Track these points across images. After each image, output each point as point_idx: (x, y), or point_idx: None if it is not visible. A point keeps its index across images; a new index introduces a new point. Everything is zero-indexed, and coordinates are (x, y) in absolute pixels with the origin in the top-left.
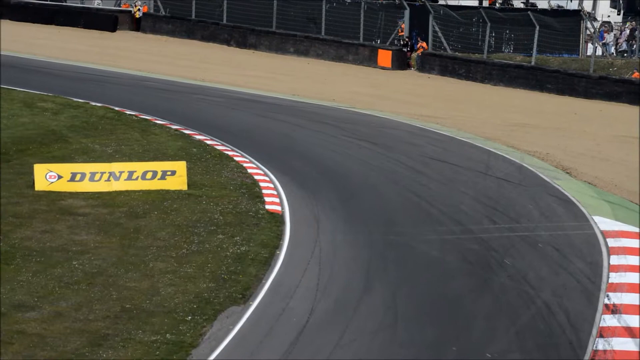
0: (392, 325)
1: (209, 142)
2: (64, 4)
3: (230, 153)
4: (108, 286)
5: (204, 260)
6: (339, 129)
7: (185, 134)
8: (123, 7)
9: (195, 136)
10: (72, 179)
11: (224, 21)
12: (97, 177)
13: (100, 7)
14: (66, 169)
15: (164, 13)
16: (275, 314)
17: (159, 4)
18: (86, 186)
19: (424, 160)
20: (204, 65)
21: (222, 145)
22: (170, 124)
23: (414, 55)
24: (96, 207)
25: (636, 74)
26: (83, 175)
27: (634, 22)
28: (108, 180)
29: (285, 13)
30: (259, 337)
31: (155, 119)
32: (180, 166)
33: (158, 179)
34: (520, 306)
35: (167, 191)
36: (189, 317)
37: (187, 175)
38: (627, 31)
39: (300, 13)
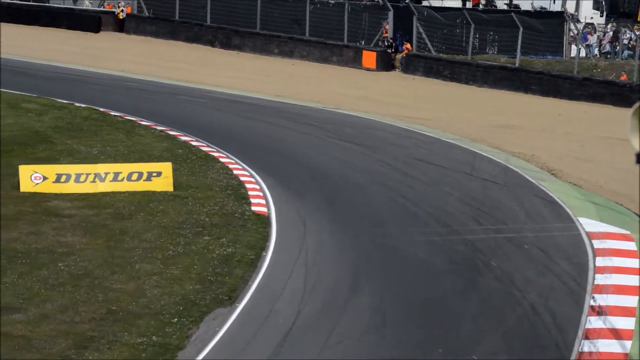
0: (379, 327)
1: (194, 143)
2: (46, 4)
3: (215, 154)
4: (94, 288)
5: (190, 261)
6: (324, 130)
7: (170, 135)
8: (106, 8)
9: (180, 137)
10: (58, 180)
11: (208, 22)
12: (82, 178)
13: (89, 8)
14: (51, 170)
15: (147, 14)
16: (262, 316)
17: (143, 5)
18: (71, 187)
19: (410, 161)
20: (188, 67)
21: (208, 146)
22: (156, 125)
23: (399, 56)
24: (82, 208)
25: (624, 76)
26: (68, 176)
27: (616, 24)
28: (93, 181)
29: (270, 14)
30: (245, 339)
31: (140, 120)
32: (166, 167)
33: (144, 180)
34: (506, 307)
35: (153, 192)
36: (175, 319)
37: (173, 176)
38: (610, 33)
39: (284, 14)
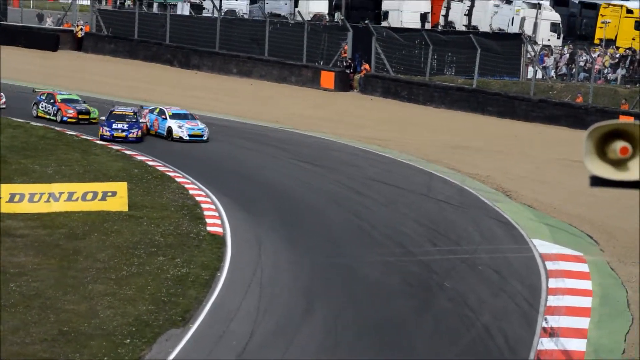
0: (332, 348)
1: (150, 162)
2: (3, 22)
3: (171, 174)
4: (46, 309)
5: (144, 282)
6: (282, 150)
7: (126, 154)
8: (65, 27)
9: (136, 157)
10: (11, 200)
11: (167, 41)
12: (36, 197)
13: (51, 27)
14: (5, 189)
15: (106, 33)
16: (215, 337)
17: (101, 23)
18: (25, 207)
19: (366, 182)
20: (147, 86)
21: (164, 166)
22: (111, 144)
23: (357, 77)
24: (35, 228)
25: (580, 98)
26: (22, 196)
27: (573, 46)
28: (48, 201)
29: (229, 34)
30: None
31: (96, 140)
32: (121, 187)
33: (98, 200)
34: (460, 329)
35: (108, 212)
36: (128, 340)
37: (128, 196)
38: (567, 55)
39: (243, 34)
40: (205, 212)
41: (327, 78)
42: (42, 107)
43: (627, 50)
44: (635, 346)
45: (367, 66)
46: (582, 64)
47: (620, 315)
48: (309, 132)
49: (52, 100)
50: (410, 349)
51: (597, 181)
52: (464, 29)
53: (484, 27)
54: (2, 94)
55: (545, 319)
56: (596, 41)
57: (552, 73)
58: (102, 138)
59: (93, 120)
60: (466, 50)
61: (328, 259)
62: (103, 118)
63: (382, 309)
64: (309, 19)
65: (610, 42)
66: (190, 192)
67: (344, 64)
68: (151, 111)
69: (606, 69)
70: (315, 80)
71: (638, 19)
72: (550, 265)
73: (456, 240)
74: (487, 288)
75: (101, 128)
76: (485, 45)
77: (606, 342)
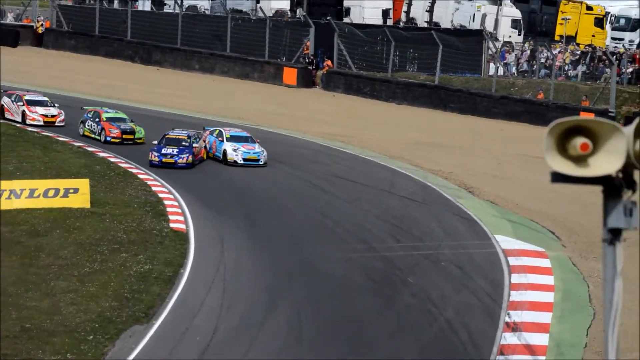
0: (296, 344)
1: (112, 159)
2: None
3: (134, 171)
4: (7, 306)
5: (106, 279)
6: None
7: (88, 151)
8: (24, 22)
9: (98, 153)
10: None
11: (128, 37)
12: None
13: (11, 22)
14: None
15: (67, 28)
16: (179, 333)
17: (62, 19)
18: None
19: (329, 178)
20: (108, 82)
21: (127, 162)
22: (73, 140)
23: (319, 73)
24: None
25: (541, 94)
26: None
27: (534, 43)
28: (9, 197)
29: (191, 30)
30: (161, 356)
31: (58, 136)
32: (83, 184)
33: (60, 197)
34: (423, 324)
35: (70, 209)
36: (91, 337)
37: (90, 193)
38: (528, 51)
39: (205, 30)
40: (168, 209)
41: (290, 74)
42: (88, 125)
43: (587, 47)
44: (596, 340)
45: (329, 62)
46: (543, 60)
47: (582, 310)
48: (271, 128)
49: (97, 119)
50: (373, 345)
51: (558, 177)
52: (425, 25)
53: (445, 24)
54: (61, 111)
55: (508, 314)
56: (557, 38)
57: (514, 69)
58: (151, 164)
59: (138, 141)
60: (428, 47)
61: (291, 255)
62: (155, 142)
63: (346, 305)
64: (271, 15)
65: (570, 39)
66: (153, 188)
67: (307, 60)
68: (211, 132)
69: (567, 66)
70: (277, 76)
71: (598, 16)
72: (513, 261)
73: (419, 237)
74: (450, 284)
75: (150, 153)
76: (447, 42)
77: (568, 336)
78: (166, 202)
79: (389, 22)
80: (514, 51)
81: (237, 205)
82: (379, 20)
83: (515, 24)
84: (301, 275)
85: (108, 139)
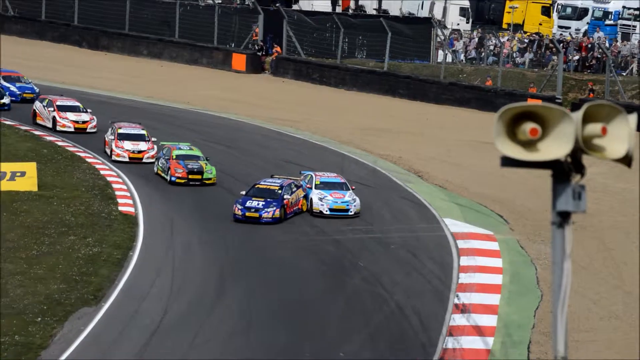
0: (246, 328)
1: (60, 143)
2: None
3: (82, 154)
4: None
5: (54, 261)
6: (195, 132)
7: (35, 135)
8: None
9: (45, 137)
10: None
11: (75, 22)
12: None
13: None
14: None
15: (12, 13)
16: (128, 316)
17: (7, 3)
18: None
19: (279, 163)
20: (56, 67)
21: (74, 146)
22: (20, 124)
23: (268, 59)
24: None
25: (489, 81)
26: None
27: (482, 30)
28: None
29: (139, 15)
30: (110, 338)
31: (5, 120)
32: (30, 167)
33: (7, 180)
34: (373, 308)
35: (17, 192)
36: (39, 318)
37: (38, 176)
38: (476, 39)
39: (154, 15)
40: (117, 192)
41: (239, 60)
42: (160, 163)
43: (534, 35)
44: (543, 321)
45: (278, 49)
46: (491, 48)
47: (530, 291)
48: (221, 113)
49: (167, 157)
50: (324, 329)
51: (508, 161)
52: (374, 12)
53: (394, 11)
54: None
55: (457, 296)
56: (504, 26)
57: (462, 57)
58: (235, 218)
59: (206, 181)
60: (377, 34)
61: (241, 239)
62: (243, 193)
63: (296, 290)
64: (220, 1)
65: (518, 27)
66: (102, 172)
67: (256, 46)
68: (304, 178)
69: (514, 53)
70: (226, 62)
71: (545, 4)
72: (462, 244)
73: (369, 220)
74: (400, 267)
75: (234, 206)
76: (396, 29)
77: (516, 317)
78: (115, 186)
79: (338, 10)
80: (462, 39)
81: (187, 189)
82: (328, 8)
83: (463, 12)
84: (251, 259)
85: (173, 179)
